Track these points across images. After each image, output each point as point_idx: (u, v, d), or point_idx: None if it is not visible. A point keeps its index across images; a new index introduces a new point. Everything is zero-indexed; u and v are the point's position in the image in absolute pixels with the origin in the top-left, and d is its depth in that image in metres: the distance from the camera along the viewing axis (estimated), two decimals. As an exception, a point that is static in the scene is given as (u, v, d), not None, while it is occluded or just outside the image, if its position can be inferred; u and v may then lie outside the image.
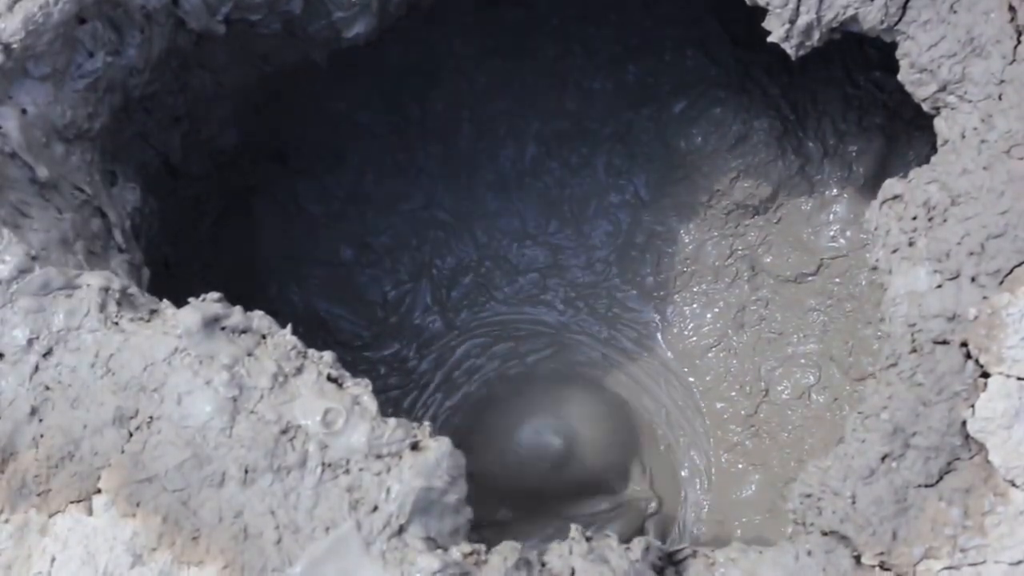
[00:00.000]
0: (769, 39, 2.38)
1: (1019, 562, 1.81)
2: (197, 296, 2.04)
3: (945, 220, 2.05)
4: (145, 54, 2.46)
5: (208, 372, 1.91)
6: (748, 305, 3.70)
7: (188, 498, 1.85)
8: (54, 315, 1.98)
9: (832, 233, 3.58)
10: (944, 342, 1.97)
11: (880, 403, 2.00)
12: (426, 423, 1.94)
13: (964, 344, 1.94)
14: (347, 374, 1.98)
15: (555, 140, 3.91)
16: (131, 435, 1.90)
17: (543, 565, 1.90)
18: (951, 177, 2.08)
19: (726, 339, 3.72)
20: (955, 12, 2.18)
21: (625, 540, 2.01)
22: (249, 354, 1.96)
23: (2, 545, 1.91)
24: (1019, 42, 2.10)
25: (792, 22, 2.31)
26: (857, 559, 1.92)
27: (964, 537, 1.85)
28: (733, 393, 3.64)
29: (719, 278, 3.76)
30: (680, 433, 3.64)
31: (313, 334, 3.76)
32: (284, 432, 1.87)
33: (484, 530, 2.72)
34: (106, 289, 2.01)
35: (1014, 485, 1.84)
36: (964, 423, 1.90)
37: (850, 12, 2.26)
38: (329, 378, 1.95)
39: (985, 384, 1.90)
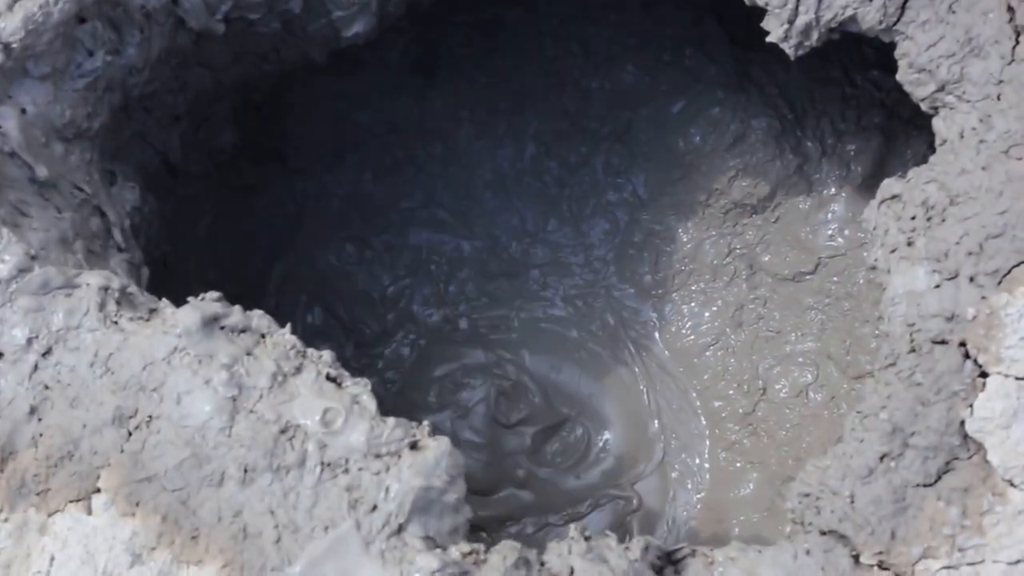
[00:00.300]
0: (768, 39, 2.38)
1: (1017, 561, 1.81)
2: (196, 295, 2.04)
3: (944, 220, 2.05)
4: (145, 53, 2.46)
5: (207, 371, 1.91)
6: (746, 304, 3.70)
7: (187, 497, 1.85)
8: (53, 314, 1.98)
9: (830, 232, 3.58)
10: (943, 342, 1.97)
11: (879, 403, 2.00)
12: (425, 422, 1.94)
13: (963, 344, 1.95)
14: (346, 373, 1.98)
15: (554, 139, 3.91)
16: (130, 434, 1.90)
17: (542, 564, 1.90)
18: (950, 177, 2.08)
19: (724, 338, 3.73)
20: (954, 12, 2.18)
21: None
22: (248, 353, 1.96)
23: (1, 544, 1.91)
24: (1017, 42, 2.10)
25: (791, 22, 2.32)
26: (856, 558, 1.92)
27: (962, 537, 1.85)
28: (731, 391, 3.64)
29: (717, 277, 3.76)
30: (672, 435, 3.64)
31: (313, 332, 3.77)
32: (283, 431, 1.87)
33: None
34: (105, 288, 2.01)
35: (1012, 485, 1.85)
36: (962, 423, 1.90)
37: (849, 12, 2.26)
38: (328, 377, 1.95)
39: (983, 384, 1.91)
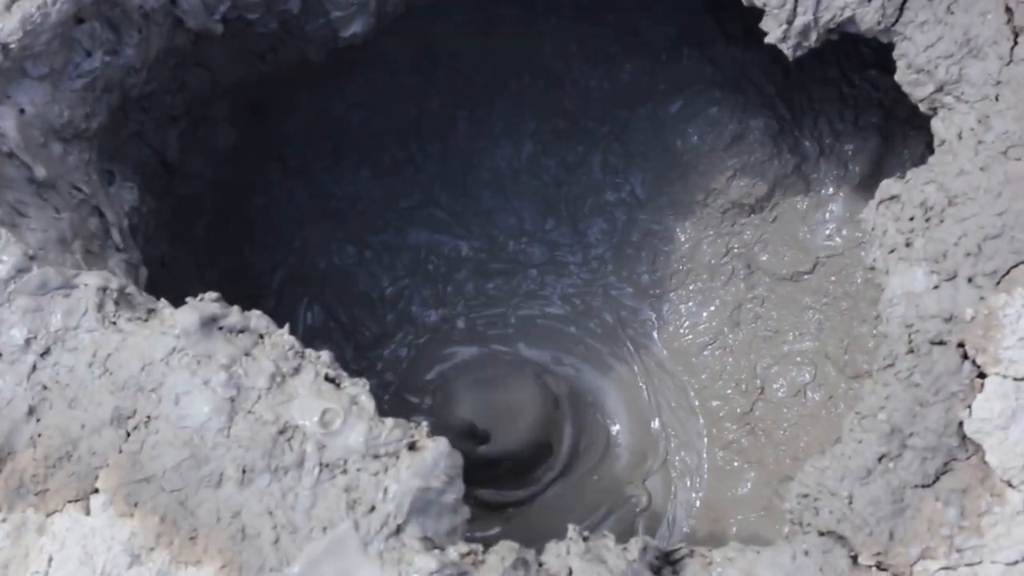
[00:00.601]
0: (766, 40, 2.38)
1: (1015, 562, 1.81)
2: (194, 295, 2.04)
3: (942, 221, 2.05)
4: (143, 53, 2.46)
5: (206, 372, 1.91)
6: (744, 303, 3.70)
7: (186, 498, 1.85)
8: (52, 315, 1.98)
9: (828, 232, 3.58)
10: (941, 343, 1.97)
11: (877, 403, 2.01)
12: (423, 423, 1.94)
13: (961, 345, 1.95)
14: (344, 374, 1.98)
15: (552, 138, 3.91)
16: (129, 435, 1.90)
17: (540, 565, 1.90)
18: (948, 178, 2.08)
19: (722, 337, 3.73)
20: (952, 13, 2.18)
21: (618, 536, 2.02)
22: (247, 354, 1.96)
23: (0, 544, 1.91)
24: (1016, 43, 2.10)
25: (789, 23, 2.32)
26: (854, 559, 1.92)
27: (961, 537, 1.85)
28: (729, 391, 3.64)
29: (715, 276, 3.76)
30: (672, 433, 3.64)
31: (311, 332, 3.77)
32: (282, 432, 1.87)
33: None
34: (104, 289, 2.01)
35: (1010, 485, 1.85)
36: (961, 424, 1.91)
37: (847, 13, 2.27)
38: (327, 378, 1.95)
39: (982, 385, 1.91)
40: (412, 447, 1.88)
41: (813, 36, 2.33)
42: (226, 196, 3.52)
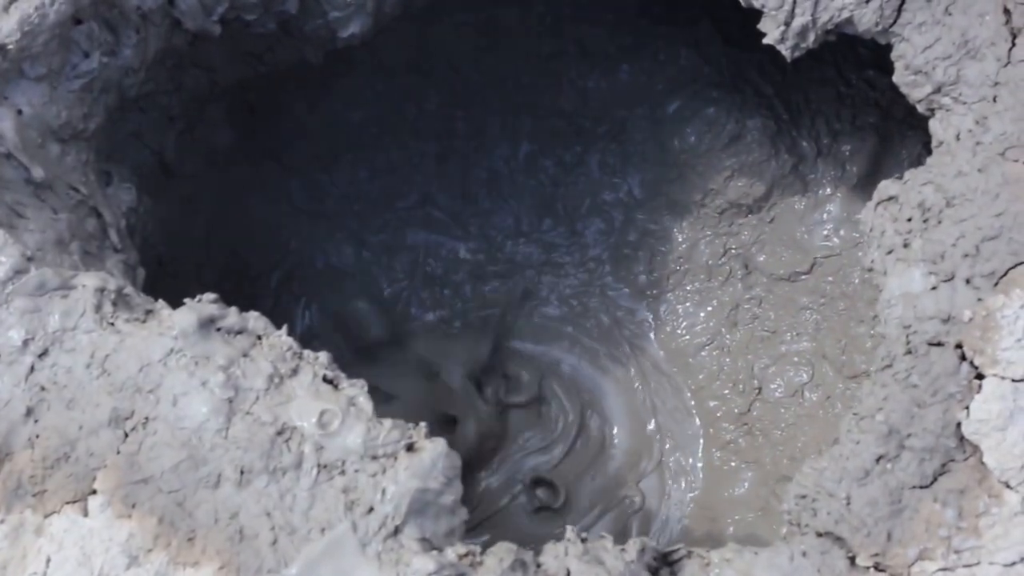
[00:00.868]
0: (764, 41, 2.38)
1: (1013, 563, 1.81)
2: (192, 296, 2.04)
3: (940, 222, 2.05)
4: (141, 54, 2.46)
5: (204, 373, 1.91)
6: (741, 303, 3.70)
7: (184, 499, 1.85)
8: (50, 316, 1.98)
9: (825, 232, 3.58)
10: (939, 344, 1.97)
11: (875, 404, 2.01)
12: (422, 424, 1.94)
13: (959, 346, 1.95)
14: (343, 375, 1.98)
15: (549, 138, 3.91)
16: (127, 436, 1.90)
17: (538, 566, 1.90)
18: (946, 179, 2.09)
19: (719, 337, 3.73)
20: (950, 14, 2.18)
21: (612, 537, 2.02)
22: (245, 355, 1.96)
23: (-2, 546, 1.91)
24: (1014, 45, 2.10)
25: (787, 24, 2.32)
26: (852, 560, 1.92)
27: (958, 538, 1.86)
28: (726, 391, 3.64)
29: (712, 277, 3.76)
30: (667, 434, 3.64)
31: (309, 332, 3.77)
32: (280, 433, 1.87)
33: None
34: (102, 290, 2.01)
35: (1008, 487, 1.85)
36: (959, 425, 1.91)
37: (845, 14, 2.26)
38: (325, 379, 1.95)
39: (980, 386, 1.91)
40: (410, 448, 1.88)
41: (811, 37, 2.33)
42: (224, 197, 3.52)
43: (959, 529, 1.86)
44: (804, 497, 2.03)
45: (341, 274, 3.86)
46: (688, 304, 3.81)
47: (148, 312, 2.05)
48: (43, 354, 1.96)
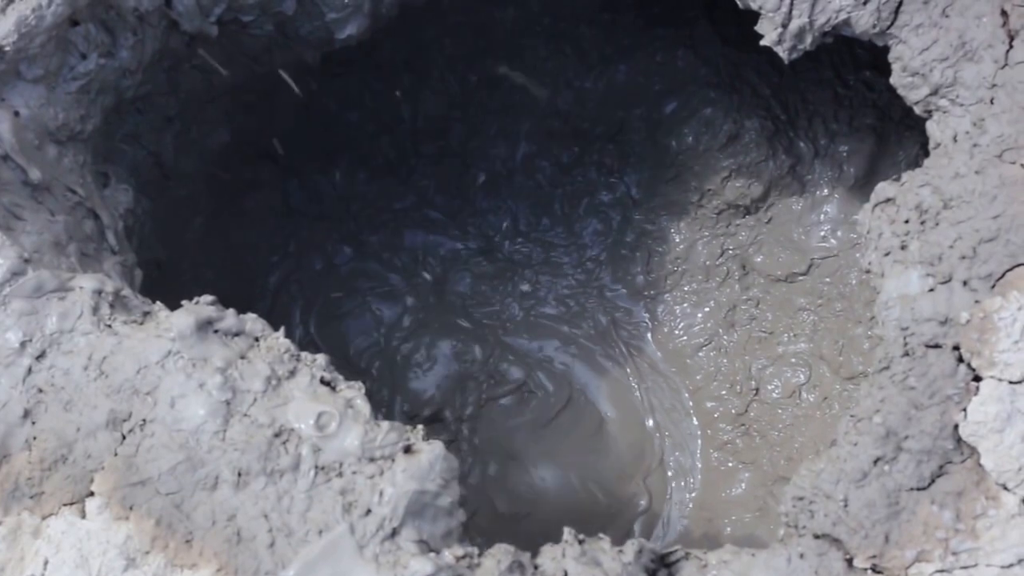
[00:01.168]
0: (762, 43, 2.37)
1: (1010, 565, 1.81)
2: (190, 297, 2.04)
3: (937, 224, 2.06)
4: (138, 56, 2.46)
5: (201, 375, 1.91)
6: (739, 304, 3.71)
7: (181, 501, 1.85)
8: (47, 318, 1.98)
9: (823, 233, 3.59)
10: (936, 346, 1.97)
11: (872, 406, 2.01)
12: (419, 426, 1.94)
13: (956, 348, 1.95)
14: (340, 377, 1.98)
15: (546, 139, 3.91)
16: (124, 438, 1.90)
17: (536, 568, 1.90)
18: (943, 181, 2.09)
19: (717, 338, 3.73)
20: (947, 16, 2.18)
21: (614, 538, 2.02)
22: (242, 357, 1.96)
23: (-5, 548, 1.91)
24: (1011, 47, 2.10)
25: (785, 26, 2.31)
26: (849, 562, 1.92)
27: (956, 540, 1.86)
28: (723, 392, 3.65)
29: (710, 277, 3.77)
30: (666, 434, 3.65)
31: (308, 333, 3.77)
32: (277, 435, 1.87)
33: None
34: (99, 292, 2.01)
35: (1006, 488, 1.85)
36: (956, 427, 1.91)
37: (843, 16, 2.26)
38: (322, 381, 1.95)
39: (977, 388, 1.91)
40: (408, 450, 1.88)
41: (808, 39, 2.33)
42: (221, 198, 3.52)
43: (957, 531, 1.86)
44: (801, 499, 2.03)
45: (341, 276, 3.86)
46: (685, 305, 3.82)
47: (146, 314, 2.05)
48: (40, 356, 1.96)
